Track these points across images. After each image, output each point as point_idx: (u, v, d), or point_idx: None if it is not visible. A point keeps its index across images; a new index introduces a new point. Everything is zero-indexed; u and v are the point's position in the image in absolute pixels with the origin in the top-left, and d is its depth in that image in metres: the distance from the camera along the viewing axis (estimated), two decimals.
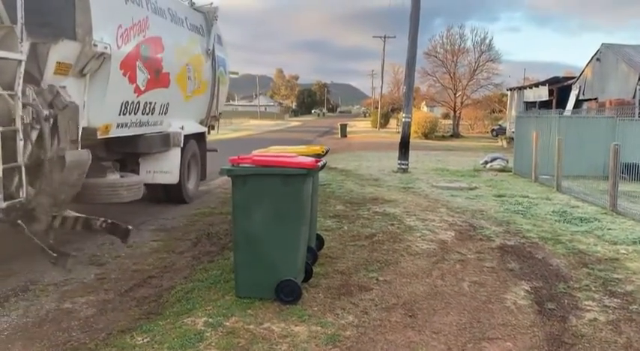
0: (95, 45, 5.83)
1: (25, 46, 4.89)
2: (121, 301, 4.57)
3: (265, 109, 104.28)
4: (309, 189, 4.61)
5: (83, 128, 5.92)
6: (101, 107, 6.29)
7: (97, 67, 6.12)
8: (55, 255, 5.09)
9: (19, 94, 4.74)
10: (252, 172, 4.31)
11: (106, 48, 6.07)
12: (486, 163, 15.98)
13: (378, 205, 8.97)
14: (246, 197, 4.33)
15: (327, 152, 6.16)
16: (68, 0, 5.73)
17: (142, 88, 7.15)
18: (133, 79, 6.89)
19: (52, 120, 5.12)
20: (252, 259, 4.36)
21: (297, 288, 4.34)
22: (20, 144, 4.76)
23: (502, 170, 15.01)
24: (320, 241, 5.88)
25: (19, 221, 4.96)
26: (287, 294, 4.30)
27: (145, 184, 8.02)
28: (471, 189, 11.27)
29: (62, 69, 5.57)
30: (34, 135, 4.98)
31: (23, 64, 4.82)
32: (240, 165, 4.36)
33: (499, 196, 10.30)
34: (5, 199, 4.65)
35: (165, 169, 8.18)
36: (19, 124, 4.72)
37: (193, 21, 9.31)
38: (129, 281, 5.08)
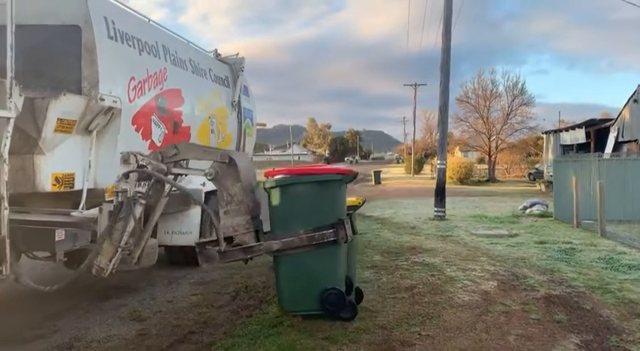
0: (102, 99, 5.41)
1: (18, 102, 4.36)
2: None
3: (299, 157, 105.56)
4: (344, 195, 4.75)
5: (89, 190, 5.53)
6: (110, 166, 5.64)
7: (105, 122, 5.65)
8: None
9: (5, 155, 4.20)
10: (290, 181, 4.47)
11: (115, 102, 5.65)
12: (525, 208, 15.66)
13: (416, 254, 8.84)
14: (284, 205, 4.43)
15: (363, 203, 6.19)
16: (73, 52, 5.35)
17: (159, 144, 6.70)
18: (147, 135, 6.46)
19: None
20: (294, 269, 4.43)
21: (342, 297, 4.29)
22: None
23: (542, 216, 14.66)
24: (359, 294, 5.78)
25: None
26: (332, 304, 4.27)
27: (164, 246, 7.55)
28: (512, 236, 11.02)
29: (64, 126, 5.13)
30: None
31: (12, 122, 4.26)
32: (276, 177, 4.56)
33: (541, 242, 10.03)
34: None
35: (185, 229, 7.53)
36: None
37: (218, 72, 9.18)
38: (170, 337, 5.10)
